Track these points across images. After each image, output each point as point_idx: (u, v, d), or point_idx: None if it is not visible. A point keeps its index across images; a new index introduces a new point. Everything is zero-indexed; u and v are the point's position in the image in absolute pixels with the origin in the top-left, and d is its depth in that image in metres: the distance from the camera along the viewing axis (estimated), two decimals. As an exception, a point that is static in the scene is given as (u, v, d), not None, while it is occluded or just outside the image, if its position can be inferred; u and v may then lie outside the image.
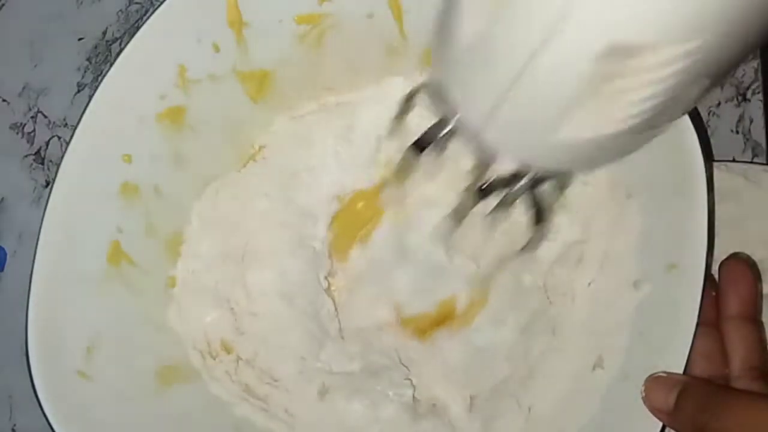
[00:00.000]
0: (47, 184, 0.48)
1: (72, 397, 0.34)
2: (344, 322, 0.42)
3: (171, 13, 0.37)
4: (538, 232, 0.37)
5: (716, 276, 0.38)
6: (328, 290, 0.42)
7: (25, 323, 0.34)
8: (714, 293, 0.37)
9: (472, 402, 0.40)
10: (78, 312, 0.36)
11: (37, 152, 0.49)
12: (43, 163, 0.49)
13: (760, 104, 0.47)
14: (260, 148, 0.43)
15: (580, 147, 0.30)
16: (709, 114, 0.47)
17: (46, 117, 0.50)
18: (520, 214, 0.37)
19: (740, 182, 0.43)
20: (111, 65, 0.36)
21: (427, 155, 0.35)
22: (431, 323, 0.42)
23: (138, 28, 0.37)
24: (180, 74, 0.38)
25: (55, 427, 0.33)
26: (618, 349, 0.37)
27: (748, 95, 0.47)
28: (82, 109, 0.36)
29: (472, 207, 0.36)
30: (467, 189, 0.35)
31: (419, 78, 0.41)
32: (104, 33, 0.51)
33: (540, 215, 0.37)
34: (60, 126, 0.50)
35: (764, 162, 0.46)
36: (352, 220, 0.43)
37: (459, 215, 0.38)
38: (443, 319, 0.42)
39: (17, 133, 0.50)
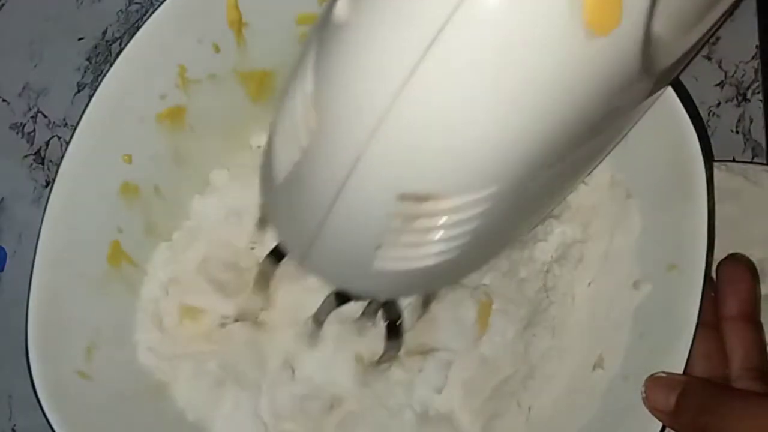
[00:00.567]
0: (47, 184, 0.48)
1: (72, 398, 0.34)
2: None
3: (171, 14, 0.37)
4: (391, 346, 0.38)
5: (714, 276, 0.38)
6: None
7: (25, 323, 0.34)
8: (713, 294, 0.37)
9: (473, 403, 0.40)
10: (78, 312, 0.36)
11: (37, 152, 0.49)
12: (43, 163, 0.49)
13: (760, 104, 0.47)
14: (259, 147, 0.43)
15: (399, 277, 0.30)
16: (709, 114, 0.47)
17: (46, 117, 0.50)
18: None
19: (740, 182, 0.43)
20: (111, 65, 0.37)
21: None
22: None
23: (138, 28, 0.37)
24: (180, 74, 0.38)
25: (55, 427, 0.33)
26: (618, 349, 0.37)
27: (748, 95, 0.47)
28: (82, 109, 0.36)
29: (330, 311, 0.37)
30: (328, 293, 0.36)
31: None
32: (104, 33, 0.51)
33: (393, 329, 0.38)
34: (60, 126, 0.49)
35: (764, 162, 0.46)
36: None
37: (319, 318, 0.38)
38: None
39: (17, 133, 0.50)
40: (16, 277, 0.47)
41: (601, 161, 0.35)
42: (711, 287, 0.36)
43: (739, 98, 0.47)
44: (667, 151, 0.35)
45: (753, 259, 0.40)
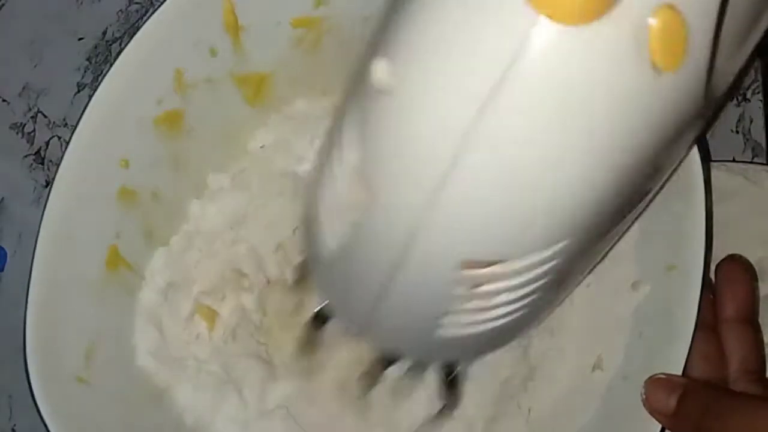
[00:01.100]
0: (47, 184, 0.48)
1: (71, 403, 0.34)
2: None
3: (167, 18, 0.37)
4: (452, 397, 0.38)
5: (713, 276, 0.38)
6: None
7: (23, 329, 0.34)
8: (711, 295, 0.37)
9: (473, 405, 0.40)
10: (76, 317, 0.36)
11: (37, 152, 0.49)
12: (43, 163, 0.49)
13: (760, 104, 0.47)
14: (262, 147, 0.43)
15: (462, 342, 0.30)
16: (709, 114, 0.47)
17: (46, 117, 0.50)
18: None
19: (740, 182, 0.43)
20: (110, 65, 0.36)
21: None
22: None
23: (138, 28, 0.37)
24: (177, 78, 0.38)
25: (53, 432, 0.33)
26: (617, 350, 0.37)
27: (748, 95, 0.47)
28: (81, 109, 0.36)
29: (382, 371, 0.36)
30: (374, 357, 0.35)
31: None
32: (104, 33, 0.51)
33: (451, 381, 0.37)
34: (60, 126, 0.50)
35: (764, 162, 0.46)
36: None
37: (369, 379, 0.37)
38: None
39: (17, 133, 0.50)
40: (16, 277, 0.47)
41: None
42: (709, 289, 0.36)
43: (739, 98, 0.47)
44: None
45: (752, 259, 0.40)
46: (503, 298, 0.27)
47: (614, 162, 0.23)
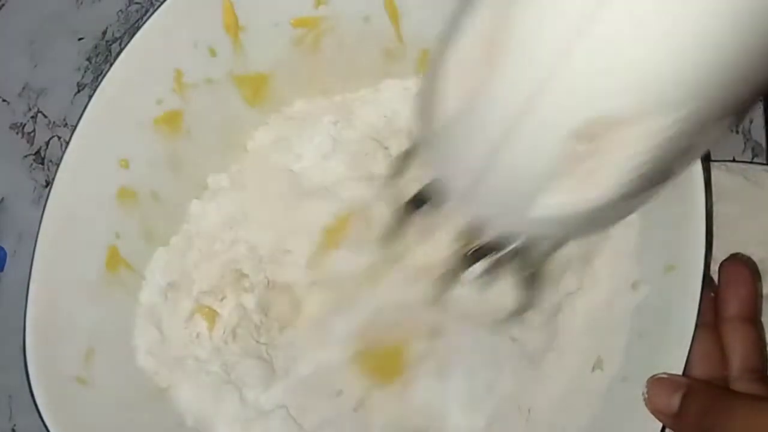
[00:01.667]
0: (47, 184, 0.48)
1: (70, 403, 0.34)
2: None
3: (167, 18, 0.37)
4: (530, 295, 0.37)
5: (715, 276, 0.38)
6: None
7: (23, 330, 0.34)
8: (713, 294, 0.37)
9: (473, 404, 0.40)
10: (76, 318, 0.36)
11: (37, 152, 0.49)
12: (43, 163, 0.49)
13: (760, 104, 0.47)
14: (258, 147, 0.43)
15: (563, 219, 0.30)
16: (709, 114, 0.47)
17: (46, 117, 0.50)
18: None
19: (740, 182, 0.43)
20: (110, 65, 0.37)
21: (420, 215, 0.35)
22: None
23: (138, 28, 0.37)
24: (177, 79, 0.38)
25: (53, 433, 0.33)
26: (617, 350, 0.36)
27: (748, 95, 0.47)
28: (82, 109, 0.36)
29: (463, 270, 0.36)
30: (458, 251, 0.35)
31: (417, 81, 0.41)
32: (104, 33, 0.51)
33: (531, 279, 0.37)
34: (60, 126, 0.50)
35: (764, 162, 0.46)
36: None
37: (449, 278, 0.38)
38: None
39: (17, 133, 0.50)
40: (16, 277, 0.47)
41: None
42: (710, 288, 0.36)
43: (739, 98, 0.47)
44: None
45: (753, 259, 0.40)
46: (612, 170, 0.27)
47: (743, 28, 0.24)
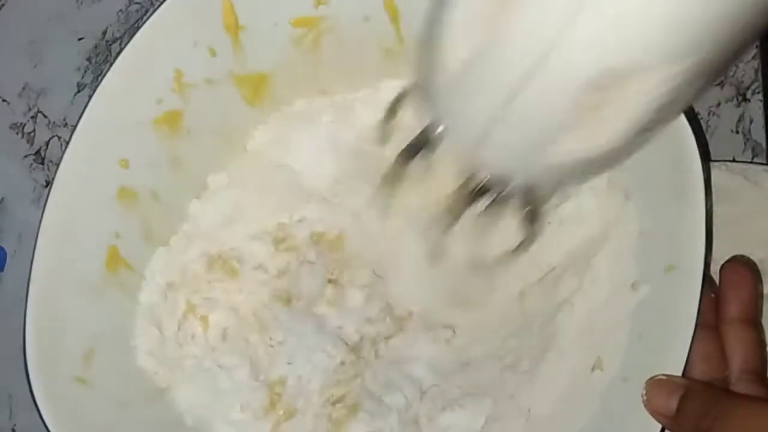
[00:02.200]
0: (47, 184, 0.48)
1: (70, 403, 0.34)
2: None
3: (167, 18, 0.37)
4: (531, 232, 0.37)
5: (715, 276, 0.38)
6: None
7: (23, 331, 0.34)
8: (713, 295, 0.37)
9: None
10: (76, 318, 0.36)
11: (37, 152, 0.49)
12: (43, 163, 0.49)
13: (760, 104, 0.47)
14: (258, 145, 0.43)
15: (572, 165, 0.30)
16: (709, 114, 0.47)
17: (46, 117, 0.50)
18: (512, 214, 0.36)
19: (740, 182, 0.43)
20: (110, 65, 0.37)
21: (419, 159, 0.35)
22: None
23: (138, 28, 0.37)
24: (177, 79, 0.38)
25: (53, 432, 0.33)
26: (617, 350, 0.36)
27: (748, 95, 0.47)
28: (81, 109, 0.36)
29: (464, 208, 0.36)
30: (459, 190, 0.35)
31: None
32: (104, 33, 0.51)
33: (532, 215, 0.37)
34: (60, 126, 0.50)
35: (764, 162, 0.46)
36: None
37: (451, 216, 0.37)
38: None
39: (17, 133, 0.50)
40: (16, 277, 0.47)
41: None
42: (711, 288, 0.36)
43: (739, 98, 0.47)
44: (664, 152, 0.35)
45: (753, 259, 0.40)
46: (621, 118, 0.28)
47: None
